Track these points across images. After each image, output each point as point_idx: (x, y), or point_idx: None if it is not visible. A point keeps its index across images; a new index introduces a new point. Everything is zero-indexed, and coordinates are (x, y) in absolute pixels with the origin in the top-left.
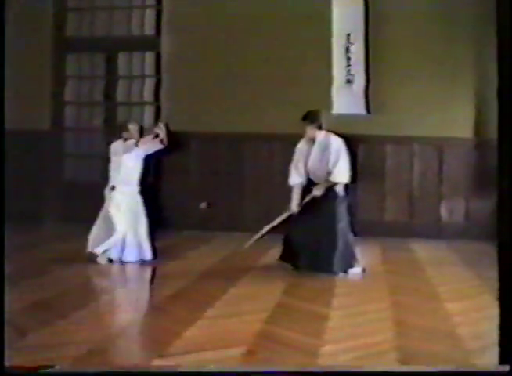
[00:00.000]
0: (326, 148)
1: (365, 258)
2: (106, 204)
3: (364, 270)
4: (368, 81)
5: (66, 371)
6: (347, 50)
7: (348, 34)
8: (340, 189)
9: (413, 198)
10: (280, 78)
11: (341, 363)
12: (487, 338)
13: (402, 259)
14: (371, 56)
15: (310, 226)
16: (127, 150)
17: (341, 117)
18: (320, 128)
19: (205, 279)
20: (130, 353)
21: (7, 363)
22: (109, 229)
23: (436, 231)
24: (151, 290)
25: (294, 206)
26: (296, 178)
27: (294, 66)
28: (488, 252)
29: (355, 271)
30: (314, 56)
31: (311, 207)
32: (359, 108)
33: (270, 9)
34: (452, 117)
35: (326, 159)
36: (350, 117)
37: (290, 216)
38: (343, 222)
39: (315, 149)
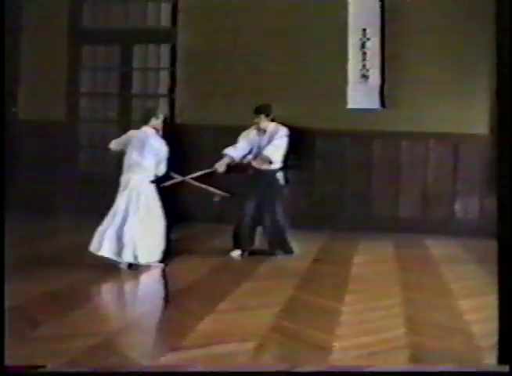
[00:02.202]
0: (273, 135)
1: (379, 254)
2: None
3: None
4: (383, 76)
5: (65, 371)
6: (363, 45)
7: (364, 29)
8: (280, 177)
9: (428, 194)
10: (296, 72)
11: (353, 359)
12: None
13: (416, 256)
14: (387, 52)
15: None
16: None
17: (357, 112)
18: (273, 120)
19: (218, 272)
20: (141, 346)
21: (7, 363)
22: None
23: (450, 228)
24: (164, 283)
25: (219, 166)
26: (233, 152)
27: (310, 60)
28: None
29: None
30: (330, 50)
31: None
32: (374, 103)
33: (286, 2)
34: (468, 114)
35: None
36: (365, 112)
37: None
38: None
39: (266, 137)
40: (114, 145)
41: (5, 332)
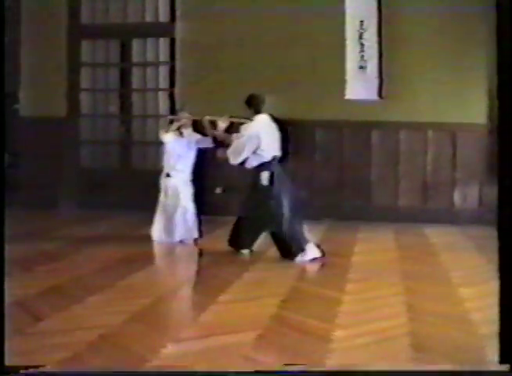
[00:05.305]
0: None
1: (379, 243)
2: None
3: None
4: (381, 67)
5: (66, 371)
6: (361, 36)
7: (361, 21)
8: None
9: (427, 184)
10: (294, 65)
11: (353, 347)
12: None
13: (416, 244)
14: (384, 43)
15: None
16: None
17: (355, 103)
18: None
19: (218, 263)
20: (143, 338)
21: (7, 363)
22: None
23: (449, 216)
24: (165, 275)
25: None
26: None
27: (308, 52)
28: None
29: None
30: (327, 42)
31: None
32: (372, 94)
33: None
34: (466, 103)
35: None
36: (363, 102)
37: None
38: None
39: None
40: None
41: (4, 332)
